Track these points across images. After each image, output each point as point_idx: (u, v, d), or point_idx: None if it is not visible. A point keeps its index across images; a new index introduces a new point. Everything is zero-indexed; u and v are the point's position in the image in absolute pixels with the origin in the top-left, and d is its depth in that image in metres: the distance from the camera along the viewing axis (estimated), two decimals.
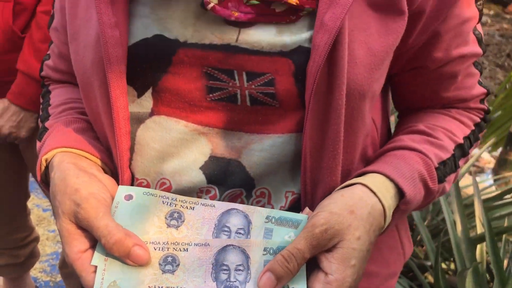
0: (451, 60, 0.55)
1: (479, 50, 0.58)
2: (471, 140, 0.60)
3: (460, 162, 0.58)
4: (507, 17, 8.89)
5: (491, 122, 3.35)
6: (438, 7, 0.50)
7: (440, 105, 0.61)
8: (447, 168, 0.56)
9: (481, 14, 0.57)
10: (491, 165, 2.96)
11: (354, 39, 0.46)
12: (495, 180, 2.47)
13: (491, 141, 3.02)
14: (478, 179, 2.29)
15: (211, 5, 0.44)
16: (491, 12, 9.57)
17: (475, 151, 2.03)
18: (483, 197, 1.67)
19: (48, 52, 0.67)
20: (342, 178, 0.51)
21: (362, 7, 0.47)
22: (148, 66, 0.49)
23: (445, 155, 0.56)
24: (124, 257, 0.44)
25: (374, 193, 0.48)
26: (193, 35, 0.47)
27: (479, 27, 0.58)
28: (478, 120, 0.63)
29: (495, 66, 5.59)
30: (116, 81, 0.47)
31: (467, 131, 0.60)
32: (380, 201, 0.48)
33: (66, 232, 0.46)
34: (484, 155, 3.08)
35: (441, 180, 0.55)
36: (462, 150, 0.59)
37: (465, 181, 2.11)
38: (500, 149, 2.91)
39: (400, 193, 0.51)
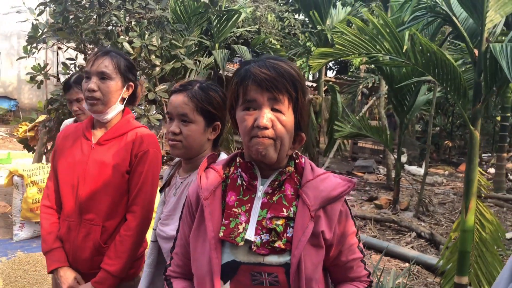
0: (349, 261, 1.32)
1: (360, 255, 1.34)
2: None
3: None
4: (460, 175, 10.22)
5: (444, 274, 4.04)
6: (339, 241, 1.28)
7: (348, 280, 1.36)
8: None
9: (359, 240, 1.35)
10: None
11: (305, 259, 1.22)
12: None
13: None
14: None
15: (254, 248, 1.21)
16: (446, 173, 10.96)
17: None
18: None
19: (170, 262, 1.41)
20: None
21: (308, 246, 1.24)
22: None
23: None
24: None
25: None
26: (246, 259, 1.22)
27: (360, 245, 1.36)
28: (365, 285, 1.36)
29: (450, 222, 6.48)
30: (217, 278, 1.21)
31: None
32: None
33: None
34: None
35: None
36: None
37: None
38: None
39: None
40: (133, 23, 5.18)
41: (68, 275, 1.82)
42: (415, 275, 4.56)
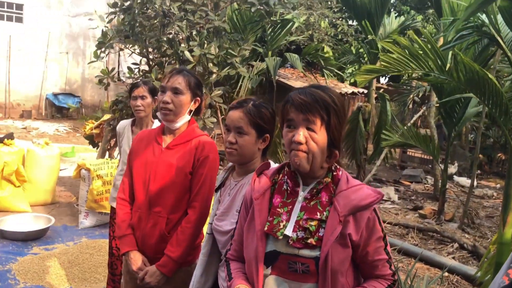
0: (375, 260, 1.57)
1: (386, 256, 1.58)
2: None
3: None
4: None
5: (482, 285, 4.13)
6: (366, 243, 1.53)
7: (374, 277, 1.60)
8: None
9: (385, 244, 1.60)
10: None
11: (332, 255, 1.48)
12: None
13: None
14: None
15: (291, 242, 1.49)
16: (497, 186, 10.73)
17: None
18: None
19: (230, 247, 1.72)
20: None
21: (335, 244, 1.50)
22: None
23: None
24: None
25: None
26: (285, 250, 1.51)
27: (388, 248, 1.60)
28: (389, 283, 1.61)
29: None
30: (261, 263, 1.51)
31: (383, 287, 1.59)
32: None
33: None
34: None
35: None
36: None
37: None
38: None
39: None
40: (193, 33, 5.58)
41: (137, 257, 2.18)
42: (454, 284, 4.67)
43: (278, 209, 1.55)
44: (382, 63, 3.66)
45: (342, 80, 14.53)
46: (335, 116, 1.49)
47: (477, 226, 6.83)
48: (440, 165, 7.90)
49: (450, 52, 3.57)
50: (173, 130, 2.22)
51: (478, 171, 11.73)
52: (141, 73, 6.23)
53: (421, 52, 3.51)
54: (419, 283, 3.17)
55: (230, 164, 2.10)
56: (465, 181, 10.38)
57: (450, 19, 4.23)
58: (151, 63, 6.56)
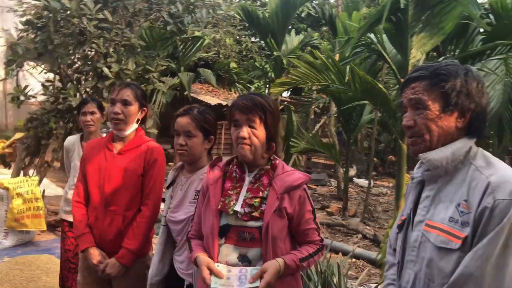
0: (306, 229, 2.00)
1: (315, 226, 2.03)
2: (312, 254, 2.01)
3: (309, 261, 1.98)
4: None
5: (382, 265, 4.81)
6: (298, 215, 1.96)
7: (306, 243, 2.04)
8: (304, 260, 1.96)
9: (314, 217, 2.04)
10: None
11: (272, 224, 1.90)
12: None
13: None
14: None
15: (240, 216, 1.87)
16: (390, 185, 12.03)
17: None
18: None
19: (191, 229, 2.05)
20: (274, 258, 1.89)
21: (274, 216, 1.91)
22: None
23: (303, 255, 1.97)
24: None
25: (277, 262, 1.85)
26: (235, 223, 1.88)
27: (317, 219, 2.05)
28: (318, 247, 2.05)
29: None
30: (216, 235, 1.88)
31: (312, 250, 2.02)
32: (279, 265, 1.86)
33: (206, 263, 1.82)
34: None
35: (302, 262, 1.94)
36: (309, 256, 2.00)
37: None
38: None
39: (285, 263, 1.89)
40: (111, 50, 5.76)
41: (96, 252, 2.42)
42: (360, 267, 5.34)
43: (229, 192, 1.93)
44: (292, 77, 4.21)
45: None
46: (270, 116, 1.92)
47: (376, 219, 7.72)
48: (341, 168, 8.76)
49: (348, 67, 4.22)
50: (123, 138, 2.50)
51: (374, 172, 13.00)
52: (55, 90, 6.22)
53: (323, 67, 4.12)
54: (332, 267, 3.70)
55: (179, 164, 2.44)
56: (363, 182, 11.49)
57: (345, 37, 4.93)
58: (63, 80, 6.56)
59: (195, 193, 2.28)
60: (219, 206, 1.91)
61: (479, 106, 1.40)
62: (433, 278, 1.36)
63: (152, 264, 2.39)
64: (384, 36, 4.55)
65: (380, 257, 4.99)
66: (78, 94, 5.93)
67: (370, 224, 7.42)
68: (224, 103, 13.62)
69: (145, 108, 2.54)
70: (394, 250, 1.66)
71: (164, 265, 2.39)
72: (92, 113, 3.34)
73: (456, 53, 5.05)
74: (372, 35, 4.67)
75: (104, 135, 3.43)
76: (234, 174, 1.97)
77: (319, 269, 3.68)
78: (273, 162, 1.98)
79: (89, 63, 5.79)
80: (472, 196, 1.31)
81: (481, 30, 5.17)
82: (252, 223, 1.87)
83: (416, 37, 4.27)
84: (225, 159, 2.11)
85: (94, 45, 5.67)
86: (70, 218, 3.39)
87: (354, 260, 5.51)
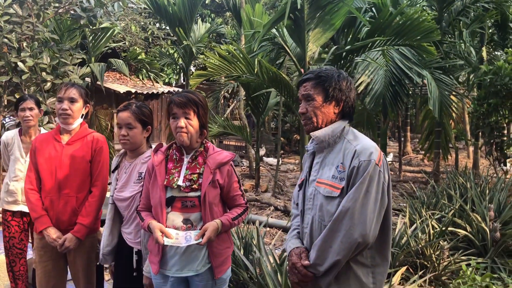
0: (234, 195, 2.56)
1: (240, 192, 2.59)
2: (240, 214, 2.59)
3: (238, 219, 2.55)
4: None
5: None
6: (227, 184, 2.51)
7: (234, 206, 2.59)
8: (235, 219, 2.53)
9: (240, 186, 2.61)
10: None
11: (208, 193, 2.44)
12: None
13: None
14: None
15: (182, 188, 2.38)
16: (296, 161, 13.08)
17: None
18: None
19: (139, 203, 2.51)
20: (212, 219, 2.44)
21: (209, 187, 2.44)
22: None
23: (233, 215, 2.53)
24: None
25: (215, 222, 2.40)
26: (178, 194, 2.39)
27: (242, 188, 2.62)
28: (244, 208, 2.62)
29: None
30: (163, 205, 2.38)
31: (240, 211, 2.60)
32: (217, 224, 2.41)
33: (158, 227, 2.31)
34: None
35: (233, 220, 2.51)
36: (238, 216, 2.57)
37: None
38: None
39: (222, 222, 2.44)
40: (24, 44, 5.81)
41: (54, 230, 2.80)
42: (274, 235, 6.08)
43: (172, 170, 2.43)
44: (208, 68, 4.72)
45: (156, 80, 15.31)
46: (201, 108, 2.45)
47: (285, 193, 8.56)
48: (252, 149, 9.47)
49: (256, 59, 4.82)
50: (70, 130, 2.88)
51: (281, 151, 13.96)
52: None
53: (235, 59, 4.69)
54: (251, 233, 4.34)
55: (122, 151, 2.88)
56: (272, 160, 12.37)
57: (251, 31, 5.53)
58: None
59: (138, 175, 2.73)
60: (165, 182, 2.40)
61: (348, 98, 2.05)
62: (324, 218, 1.98)
63: (103, 237, 2.83)
64: (285, 31, 5.21)
65: (289, 223, 5.76)
66: None
67: (280, 198, 8.23)
68: (133, 90, 13.71)
69: (88, 105, 2.93)
70: (297, 204, 2.28)
71: (114, 237, 2.83)
72: (31, 109, 3.60)
73: (348, 41, 5.87)
74: (274, 30, 5.31)
75: (42, 129, 3.72)
76: (174, 157, 2.47)
77: (240, 235, 4.31)
78: (205, 145, 2.51)
79: (3, 58, 5.78)
80: (346, 160, 1.95)
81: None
82: (192, 194, 2.38)
83: (312, 32, 4.97)
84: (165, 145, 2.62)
85: (6, 40, 5.69)
86: (12, 208, 3.68)
87: (268, 228, 6.23)
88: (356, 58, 4.93)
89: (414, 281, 3.57)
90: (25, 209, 3.66)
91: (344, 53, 4.72)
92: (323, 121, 2.03)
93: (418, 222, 4.76)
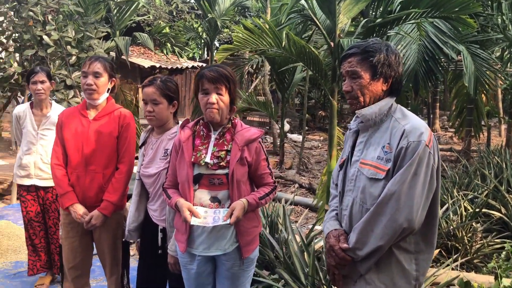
0: (262, 174, 2.47)
1: (268, 171, 2.50)
2: (268, 193, 2.50)
3: (266, 198, 2.47)
4: None
5: (319, 209, 5.48)
6: (255, 162, 2.43)
7: (262, 185, 2.51)
8: (262, 198, 2.45)
9: (268, 164, 2.52)
10: None
11: (236, 171, 2.36)
12: None
13: None
14: None
15: (210, 166, 2.30)
16: (321, 138, 12.92)
17: None
18: None
19: (166, 180, 2.44)
20: (238, 199, 2.35)
21: (237, 164, 2.36)
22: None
23: (261, 194, 2.45)
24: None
25: (242, 201, 2.32)
26: (206, 172, 2.31)
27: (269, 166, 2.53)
28: (272, 187, 2.53)
29: None
30: (191, 182, 2.30)
31: (267, 190, 2.51)
32: (244, 203, 2.33)
33: (186, 205, 2.25)
34: None
35: (260, 200, 2.42)
36: (266, 195, 2.48)
37: None
38: None
39: (248, 202, 2.36)
40: (49, 17, 5.76)
41: (80, 207, 2.76)
42: (299, 212, 6.01)
43: (199, 147, 2.35)
44: (235, 42, 4.58)
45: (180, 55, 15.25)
46: (232, 84, 2.34)
47: (310, 170, 8.45)
48: (277, 125, 9.35)
49: (284, 32, 4.66)
50: (96, 105, 2.81)
51: (306, 127, 13.81)
52: None
53: (262, 33, 4.53)
54: (277, 210, 4.27)
55: (149, 127, 2.80)
56: (296, 137, 12.24)
57: (278, 3, 5.34)
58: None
59: (164, 151, 2.66)
60: (192, 159, 2.32)
61: (397, 73, 1.90)
62: (366, 201, 1.87)
63: (129, 213, 2.78)
64: (315, 2, 5.00)
65: (315, 202, 5.67)
66: (15, 63, 5.91)
67: (305, 175, 8.13)
68: (157, 65, 13.66)
69: (114, 79, 2.85)
70: (336, 185, 2.17)
71: (140, 214, 2.79)
72: (42, 82, 3.56)
73: (379, 13, 5.62)
74: (303, 2, 5.11)
75: (53, 102, 3.68)
76: (201, 133, 2.38)
77: (266, 213, 4.24)
78: (233, 121, 2.41)
79: (29, 31, 5.74)
80: (393, 140, 1.81)
81: None
82: (220, 171, 2.30)
83: (343, 3, 4.75)
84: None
85: (31, 13, 5.65)
86: (25, 182, 3.67)
87: (293, 206, 6.16)
88: (389, 31, 4.70)
89: (447, 265, 3.44)
90: (38, 183, 3.66)
91: (377, 26, 4.51)
92: (370, 100, 1.89)
93: (449, 202, 4.60)
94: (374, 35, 4.59)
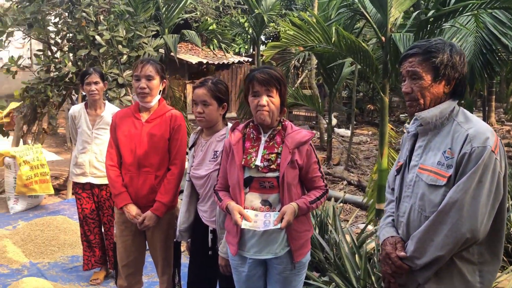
0: (313, 177, 2.42)
1: (319, 174, 2.45)
2: (319, 197, 2.45)
3: (317, 203, 2.42)
4: None
5: (369, 207, 5.35)
6: (306, 165, 2.38)
7: (313, 188, 2.46)
8: (313, 202, 2.40)
9: (319, 167, 2.46)
10: None
11: (287, 174, 2.31)
12: None
13: None
14: None
15: (260, 169, 2.28)
16: (370, 133, 12.62)
17: None
18: None
19: (217, 182, 2.45)
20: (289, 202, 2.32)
21: (288, 167, 2.32)
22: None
23: (312, 198, 2.40)
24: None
25: (292, 205, 2.29)
26: (256, 175, 2.29)
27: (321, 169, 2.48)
28: (323, 191, 2.48)
29: None
30: (241, 185, 2.29)
31: (318, 194, 2.46)
32: (294, 207, 2.29)
33: (237, 209, 2.24)
34: None
35: (311, 204, 2.37)
36: (317, 199, 2.43)
37: None
38: None
39: (299, 206, 2.32)
40: (101, 17, 5.92)
41: (134, 208, 2.82)
42: (348, 211, 5.90)
43: (249, 150, 2.33)
44: (282, 39, 4.53)
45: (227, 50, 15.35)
46: (283, 86, 2.30)
47: (359, 166, 8.29)
48: (324, 120, 9.22)
49: (333, 27, 4.56)
50: (148, 108, 2.85)
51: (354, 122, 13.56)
52: (47, 60, 6.36)
53: (311, 28, 4.45)
54: (327, 211, 4.20)
55: (199, 128, 2.82)
56: (343, 131, 12.03)
57: None
58: (53, 49, 6.69)
59: (214, 153, 2.66)
60: (243, 162, 2.30)
61: (461, 75, 1.80)
62: (425, 208, 1.79)
63: (180, 214, 2.81)
64: None
65: (365, 200, 5.55)
66: (70, 63, 6.11)
67: (354, 171, 7.98)
68: (204, 61, 13.81)
69: (165, 80, 2.88)
70: (392, 189, 2.09)
71: (190, 214, 2.81)
72: (96, 83, 3.66)
73: (432, 5, 5.39)
74: None
75: (107, 102, 3.79)
76: (251, 136, 2.35)
77: (315, 213, 4.18)
78: (283, 123, 2.37)
79: (82, 31, 5.93)
80: (455, 144, 1.72)
81: None
82: (270, 174, 2.28)
83: None
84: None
85: (84, 14, 5.83)
86: (80, 180, 3.80)
87: (342, 204, 6.06)
88: (444, 24, 4.50)
89: (509, 272, 3.27)
90: (93, 180, 3.77)
91: (430, 19, 4.32)
92: (431, 103, 1.80)
93: (509, 203, 4.36)
94: (428, 28, 4.40)
